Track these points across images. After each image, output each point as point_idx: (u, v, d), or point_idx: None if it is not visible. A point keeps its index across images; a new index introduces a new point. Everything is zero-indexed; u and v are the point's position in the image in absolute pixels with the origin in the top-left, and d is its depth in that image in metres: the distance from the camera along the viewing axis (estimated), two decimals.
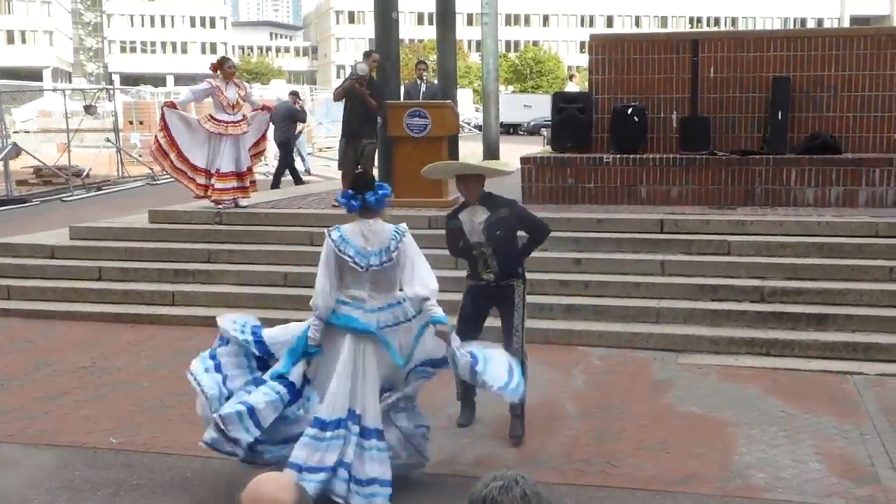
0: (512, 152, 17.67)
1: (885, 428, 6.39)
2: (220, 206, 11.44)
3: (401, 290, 5.32)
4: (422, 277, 5.21)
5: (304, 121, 22.14)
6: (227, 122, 11.35)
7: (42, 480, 5.70)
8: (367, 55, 12.63)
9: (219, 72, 11.60)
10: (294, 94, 22.48)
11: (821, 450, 6.04)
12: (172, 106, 11.55)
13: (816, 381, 7.51)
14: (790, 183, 10.80)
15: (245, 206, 11.64)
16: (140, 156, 25.40)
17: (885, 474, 5.63)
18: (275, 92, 41.40)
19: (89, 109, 24.59)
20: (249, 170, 11.74)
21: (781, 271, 9.11)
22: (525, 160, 11.65)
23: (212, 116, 11.50)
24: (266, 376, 5.33)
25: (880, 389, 7.28)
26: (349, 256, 5.20)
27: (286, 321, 9.20)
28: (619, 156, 11.30)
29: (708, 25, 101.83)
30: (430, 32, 58.89)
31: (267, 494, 2.23)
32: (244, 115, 11.59)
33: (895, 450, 5.99)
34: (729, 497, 5.34)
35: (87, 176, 22.07)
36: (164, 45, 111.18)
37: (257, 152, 12.09)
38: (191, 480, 5.69)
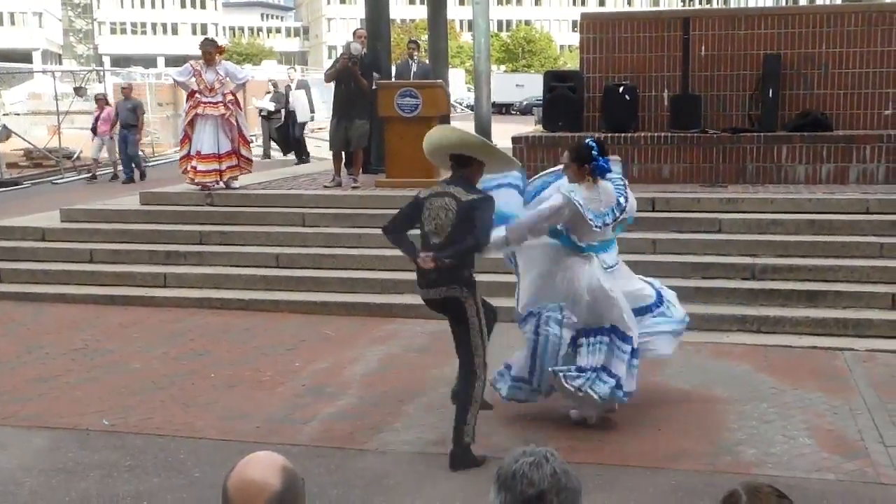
0: (504, 132, 17.65)
1: (874, 403, 6.43)
2: (207, 189, 11.39)
3: None
4: None
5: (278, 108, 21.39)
6: (205, 103, 11.32)
7: (35, 463, 5.70)
8: (354, 34, 12.58)
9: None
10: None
11: (811, 425, 6.08)
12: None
13: (807, 358, 7.55)
14: (781, 160, 10.80)
15: (237, 188, 11.61)
16: None
17: (874, 448, 5.67)
18: (265, 73, 41.22)
19: (79, 91, 24.48)
20: (235, 152, 11.63)
21: (772, 248, 9.13)
22: (516, 140, 11.62)
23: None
24: None
25: (870, 365, 7.32)
26: (590, 219, 5.74)
27: (277, 303, 9.34)
28: (610, 134, 11.27)
29: (700, 3, 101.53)
30: (421, 12, 58.66)
31: (253, 479, 2.16)
32: (225, 98, 11.45)
33: (884, 424, 6.03)
34: (719, 473, 5.37)
35: (78, 158, 22.00)
36: (154, 26, 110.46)
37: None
38: (184, 461, 5.70)
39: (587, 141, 5.92)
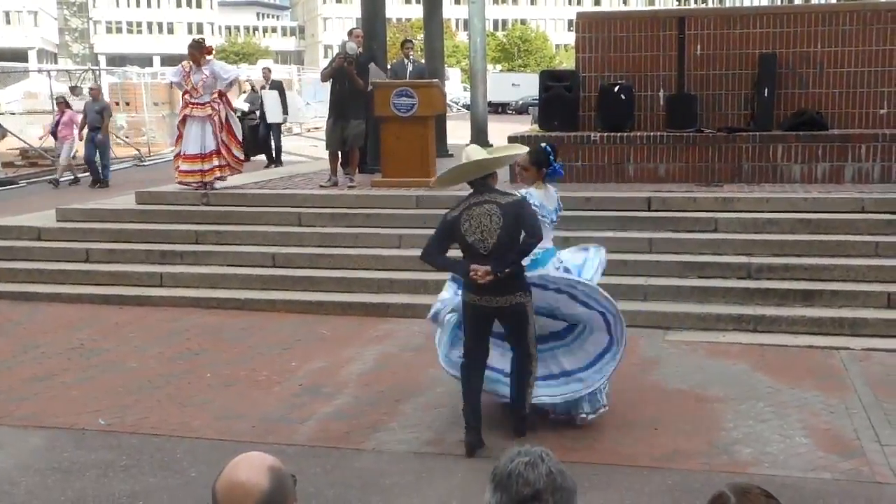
0: (500, 131, 17.65)
1: (870, 402, 6.44)
2: (202, 189, 11.36)
3: None
4: None
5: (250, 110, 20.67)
6: (192, 104, 11.34)
7: (31, 462, 5.70)
8: (350, 33, 12.56)
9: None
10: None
11: (807, 424, 6.08)
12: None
13: (803, 357, 7.55)
14: (777, 160, 10.81)
15: (218, 189, 11.46)
16: (127, 137, 25.26)
17: (870, 447, 5.68)
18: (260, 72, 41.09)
19: (75, 91, 24.42)
20: (219, 151, 11.55)
21: (768, 248, 9.14)
22: (513, 139, 11.61)
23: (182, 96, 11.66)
24: None
25: (866, 364, 7.33)
26: (542, 216, 5.99)
27: (273, 302, 9.33)
28: (606, 134, 11.28)
29: (695, 2, 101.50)
30: (417, 11, 58.55)
31: (241, 481, 2.13)
32: (212, 99, 11.41)
33: (880, 423, 6.04)
34: (715, 472, 5.37)
35: (74, 157, 21.92)
36: (149, 25, 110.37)
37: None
38: (180, 461, 5.70)
39: (544, 146, 6.30)
